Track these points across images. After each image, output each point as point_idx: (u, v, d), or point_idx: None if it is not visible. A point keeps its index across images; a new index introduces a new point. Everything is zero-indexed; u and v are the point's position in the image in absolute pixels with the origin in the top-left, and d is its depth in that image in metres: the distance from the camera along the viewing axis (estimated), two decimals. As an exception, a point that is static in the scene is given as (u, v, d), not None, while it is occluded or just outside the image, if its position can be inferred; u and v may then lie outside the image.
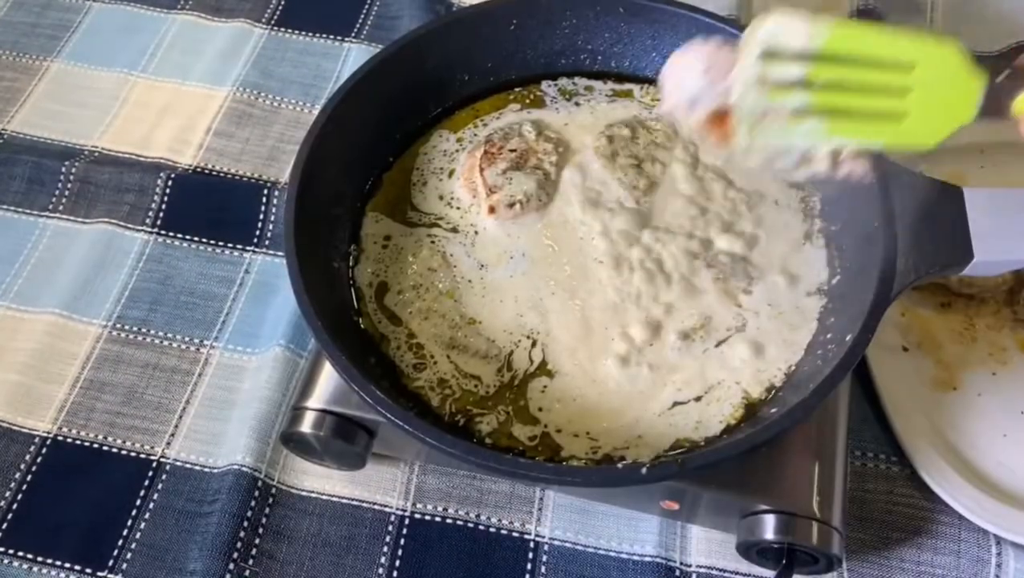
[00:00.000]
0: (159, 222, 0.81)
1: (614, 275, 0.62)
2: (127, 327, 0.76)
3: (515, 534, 0.66)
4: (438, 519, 0.66)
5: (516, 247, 0.64)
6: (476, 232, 0.65)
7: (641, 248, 0.63)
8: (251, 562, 0.64)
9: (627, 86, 0.72)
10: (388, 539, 0.66)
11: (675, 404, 0.58)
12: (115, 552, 0.65)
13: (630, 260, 0.62)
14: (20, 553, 0.65)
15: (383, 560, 0.65)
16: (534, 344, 0.60)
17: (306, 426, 0.60)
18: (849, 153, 0.48)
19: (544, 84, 0.72)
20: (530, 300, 0.61)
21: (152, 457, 0.69)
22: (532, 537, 0.65)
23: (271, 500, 0.67)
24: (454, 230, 0.65)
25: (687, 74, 0.49)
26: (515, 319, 0.61)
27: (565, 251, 0.63)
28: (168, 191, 0.82)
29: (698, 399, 0.58)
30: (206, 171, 0.85)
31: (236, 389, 0.72)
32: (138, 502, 0.67)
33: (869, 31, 0.46)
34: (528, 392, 0.59)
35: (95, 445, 0.70)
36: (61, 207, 0.83)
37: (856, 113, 0.46)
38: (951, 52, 0.45)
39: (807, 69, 0.46)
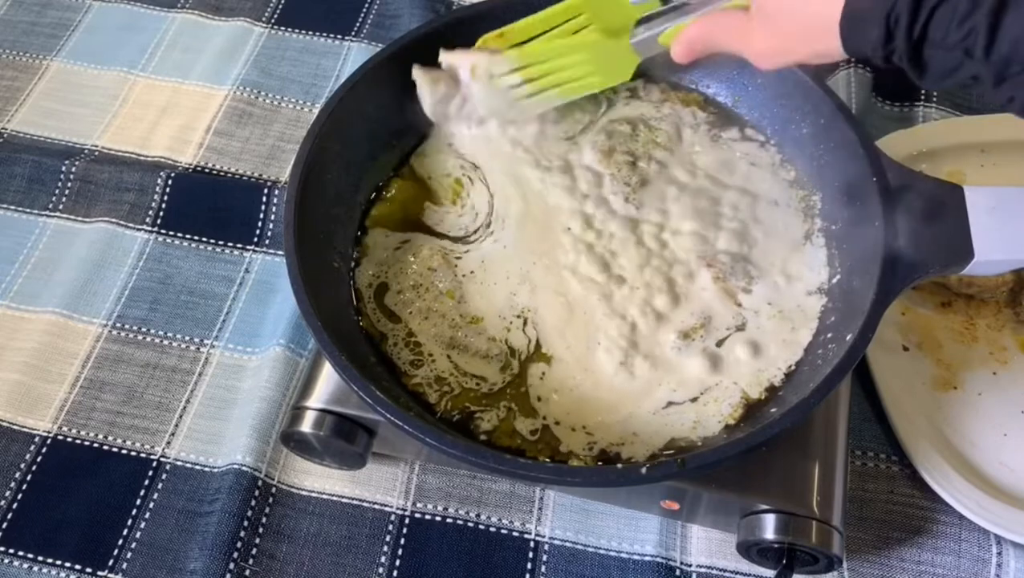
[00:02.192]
0: (159, 221, 0.81)
1: (599, 271, 0.62)
2: (127, 326, 0.76)
3: (515, 534, 0.66)
4: (438, 519, 0.66)
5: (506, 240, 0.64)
6: (476, 233, 0.65)
7: (632, 244, 0.63)
8: (251, 562, 0.64)
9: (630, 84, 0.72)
10: (388, 538, 0.66)
11: (670, 404, 0.58)
12: (115, 552, 0.65)
13: (619, 256, 0.62)
14: (20, 553, 0.65)
15: (383, 559, 0.65)
16: (525, 322, 0.61)
17: (306, 426, 0.60)
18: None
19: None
20: (520, 275, 0.63)
21: (152, 457, 0.69)
22: (532, 537, 0.65)
23: (271, 500, 0.67)
24: (455, 234, 0.65)
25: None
26: (508, 299, 0.62)
27: (548, 242, 0.64)
28: (168, 190, 0.82)
29: (694, 400, 0.58)
30: (206, 170, 0.85)
31: (236, 389, 0.72)
32: (138, 502, 0.67)
33: (531, 19, 0.64)
34: (528, 378, 0.59)
35: (95, 445, 0.70)
36: (61, 206, 0.83)
37: (568, 80, 0.65)
38: None
39: (523, 73, 0.64)
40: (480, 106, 0.66)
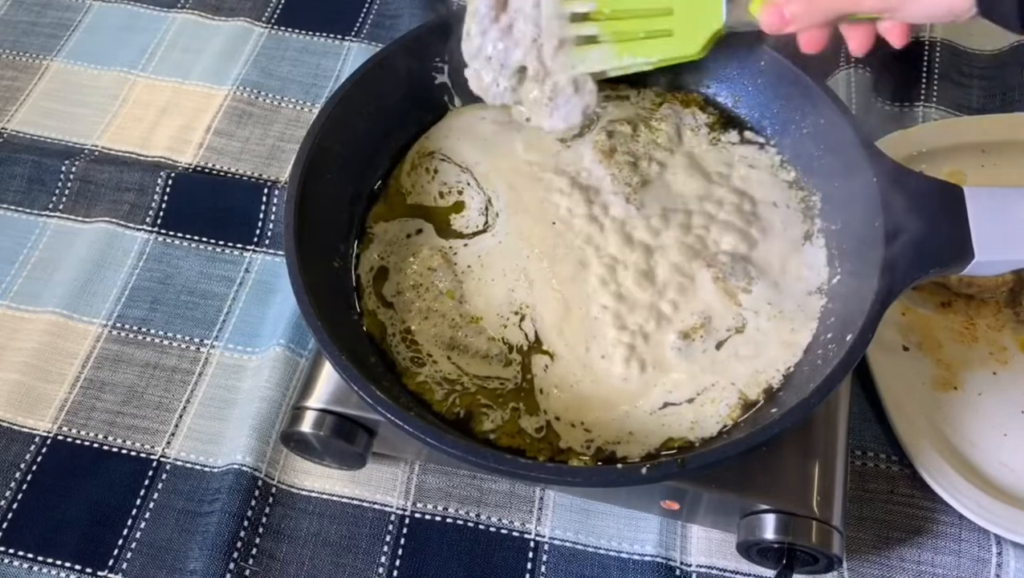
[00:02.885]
0: (159, 221, 0.81)
1: (599, 271, 0.62)
2: (127, 326, 0.76)
3: (515, 534, 0.66)
4: (438, 518, 0.66)
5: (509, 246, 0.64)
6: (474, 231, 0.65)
7: (632, 244, 0.63)
8: (251, 561, 0.64)
9: (624, 89, 0.72)
10: (388, 538, 0.66)
11: (666, 404, 0.58)
12: (115, 552, 0.65)
13: (619, 255, 0.62)
14: (20, 553, 0.65)
15: (383, 559, 0.65)
16: (522, 318, 0.61)
17: (306, 426, 0.60)
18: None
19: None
20: (517, 271, 0.63)
21: (152, 457, 0.69)
22: (532, 537, 0.66)
23: (271, 499, 0.67)
24: (455, 228, 0.65)
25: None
26: (507, 295, 0.62)
27: (547, 241, 0.64)
28: (168, 190, 0.82)
29: (691, 400, 0.58)
30: (206, 170, 0.85)
31: (236, 389, 0.72)
32: (138, 502, 0.67)
33: None
34: (532, 367, 0.59)
35: (95, 445, 0.70)
36: (61, 206, 0.83)
37: (635, 35, 0.59)
38: None
39: (596, 5, 0.59)
40: (524, 36, 0.60)
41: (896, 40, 0.53)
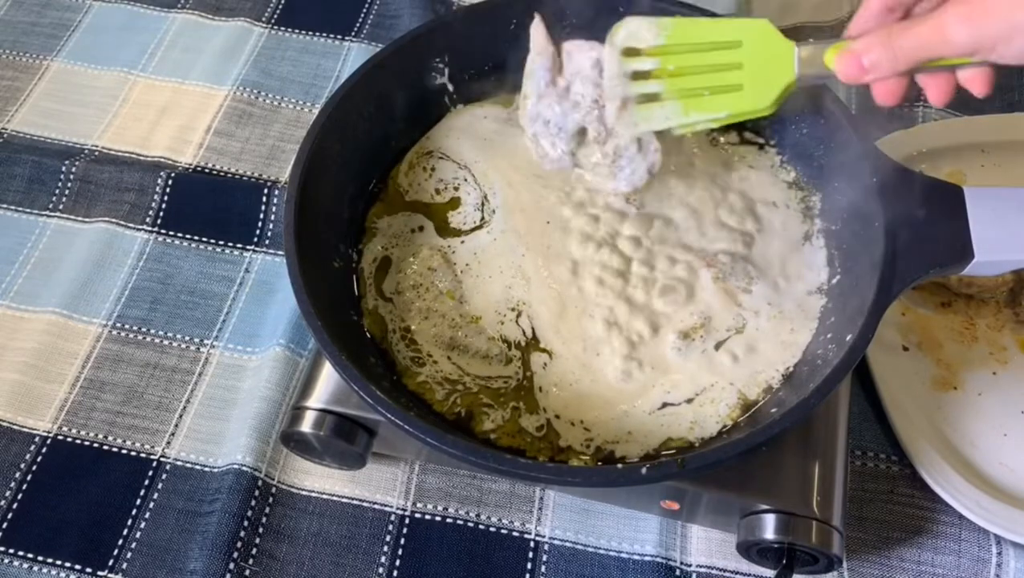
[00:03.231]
0: (159, 221, 0.81)
1: (599, 270, 0.62)
2: (127, 326, 0.76)
3: (515, 534, 0.66)
4: (438, 518, 0.66)
5: (512, 250, 0.64)
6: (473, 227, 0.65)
7: (632, 244, 0.63)
8: (251, 562, 0.64)
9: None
10: (388, 538, 0.66)
11: (665, 405, 0.58)
12: (115, 552, 0.65)
13: (618, 255, 0.62)
14: (20, 553, 0.65)
15: (383, 559, 0.65)
16: (519, 315, 0.61)
17: (306, 426, 0.60)
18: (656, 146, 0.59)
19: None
20: (515, 269, 0.63)
21: (152, 457, 0.69)
22: (532, 537, 0.66)
23: (271, 500, 0.67)
24: (453, 226, 0.65)
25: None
26: (504, 292, 0.62)
27: (547, 240, 0.64)
28: (168, 190, 0.82)
29: (690, 401, 0.58)
30: (206, 170, 0.85)
31: (236, 389, 0.72)
32: (138, 502, 0.67)
33: (701, 22, 0.56)
34: (531, 365, 0.59)
35: (95, 445, 0.70)
36: (61, 206, 0.83)
37: (702, 91, 0.55)
38: (764, 26, 0.54)
39: (659, 62, 0.55)
40: (583, 98, 0.58)
41: (980, 89, 0.49)
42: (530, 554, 0.65)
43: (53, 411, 0.71)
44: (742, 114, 0.55)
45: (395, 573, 0.64)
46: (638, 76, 0.56)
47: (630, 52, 0.55)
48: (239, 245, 0.80)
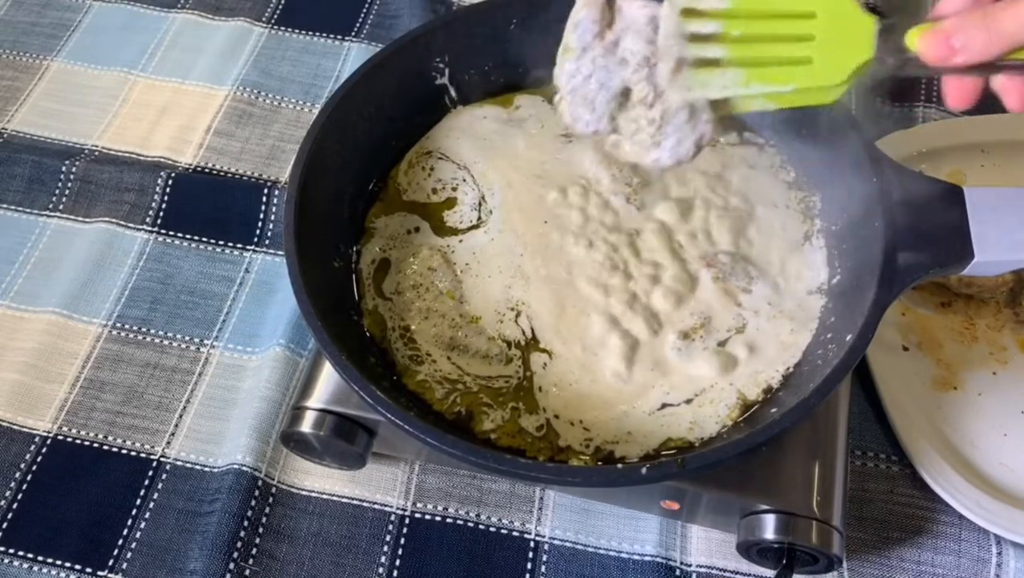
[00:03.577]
0: (159, 221, 0.81)
1: (599, 270, 0.62)
2: (127, 326, 0.76)
3: (515, 534, 0.66)
4: (438, 519, 0.66)
5: (510, 248, 0.64)
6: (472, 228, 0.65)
7: (632, 244, 0.63)
8: (251, 562, 0.64)
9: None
10: (388, 538, 0.66)
11: (664, 405, 0.58)
12: (115, 552, 0.65)
13: (618, 255, 0.62)
14: (20, 553, 0.65)
15: (383, 559, 0.65)
16: (518, 315, 0.61)
17: (306, 426, 0.60)
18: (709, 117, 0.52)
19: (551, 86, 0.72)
20: (514, 268, 0.62)
21: (152, 457, 0.69)
22: (532, 537, 0.66)
23: (271, 500, 0.67)
24: (451, 225, 0.65)
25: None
26: (503, 292, 0.62)
27: (546, 239, 0.64)
28: (168, 190, 0.82)
29: (689, 401, 0.58)
30: (206, 170, 0.85)
31: (236, 389, 0.72)
32: (138, 502, 0.67)
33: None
34: (531, 365, 0.59)
35: (95, 445, 0.70)
36: (61, 206, 0.83)
37: (768, 61, 0.50)
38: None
39: (722, 26, 0.49)
40: (632, 55, 0.51)
41: (1015, 102, 0.45)
42: (530, 554, 0.65)
43: (53, 411, 0.71)
44: (808, 91, 0.50)
45: (395, 573, 0.64)
46: (696, 38, 0.50)
47: (690, 13, 0.50)
48: (239, 245, 0.80)
